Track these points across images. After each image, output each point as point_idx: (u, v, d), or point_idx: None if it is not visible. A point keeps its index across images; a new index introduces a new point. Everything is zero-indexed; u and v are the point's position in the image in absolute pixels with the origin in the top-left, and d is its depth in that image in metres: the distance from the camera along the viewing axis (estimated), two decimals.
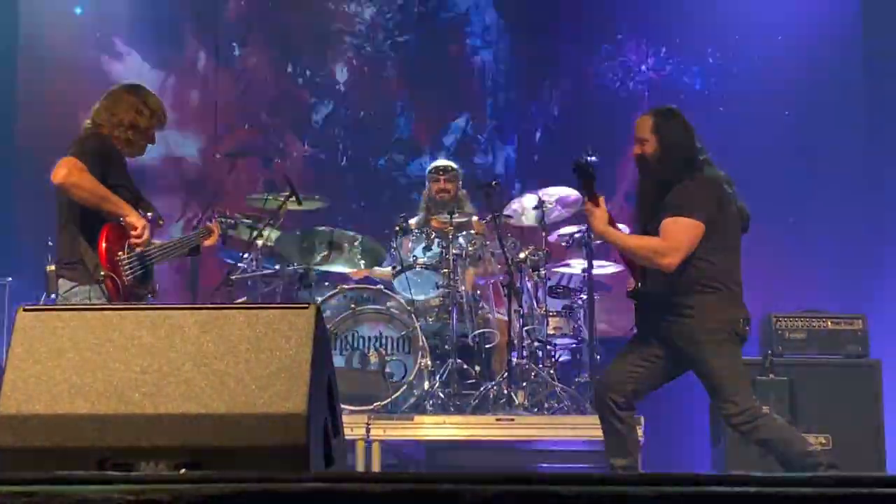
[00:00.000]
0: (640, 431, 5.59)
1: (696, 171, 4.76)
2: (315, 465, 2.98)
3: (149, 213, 4.97)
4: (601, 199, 4.83)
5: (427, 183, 7.52)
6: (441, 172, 7.38)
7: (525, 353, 6.49)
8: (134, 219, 4.76)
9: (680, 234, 4.61)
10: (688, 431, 7.36)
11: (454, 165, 7.51)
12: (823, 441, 5.99)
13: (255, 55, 9.40)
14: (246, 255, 6.67)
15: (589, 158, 4.87)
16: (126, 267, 4.69)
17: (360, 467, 5.78)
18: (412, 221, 7.26)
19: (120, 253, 4.70)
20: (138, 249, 4.76)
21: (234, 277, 6.52)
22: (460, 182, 7.47)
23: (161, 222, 5.15)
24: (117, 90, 5.12)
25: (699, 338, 4.63)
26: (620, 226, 6.97)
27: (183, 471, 2.89)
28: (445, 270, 6.57)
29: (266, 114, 9.34)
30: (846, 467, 5.66)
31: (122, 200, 4.79)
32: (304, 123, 9.36)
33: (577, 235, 6.79)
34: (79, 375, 3.00)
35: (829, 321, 6.40)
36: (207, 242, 5.44)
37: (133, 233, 4.74)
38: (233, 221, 5.94)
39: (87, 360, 3.02)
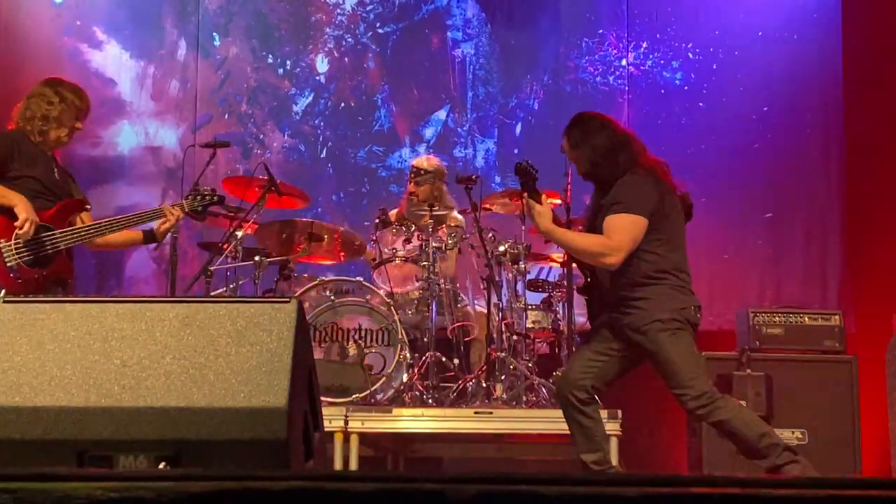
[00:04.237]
0: (617, 425, 5.63)
1: (633, 164, 4.76)
2: (295, 459, 2.98)
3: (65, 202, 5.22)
4: (544, 197, 4.84)
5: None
6: (414, 174, 7.35)
7: (504, 347, 6.50)
8: (19, 210, 4.98)
9: (623, 232, 4.64)
10: (665, 423, 7.39)
11: (428, 168, 7.43)
12: (800, 436, 6.03)
13: (235, 45, 9.36)
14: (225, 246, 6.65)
15: (528, 160, 4.88)
16: (9, 253, 4.94)
17: (338, 459, 5.79)
18: (392, 213, 7.26)
19: (2, 240, 4.95)
20: (20, 235, 4.96)
21: (212, 268, 6.50)
22: (439, 180, 7.43)
23: (88, 207, 5.41)
24: (37, 85, 5.36)
25: (653, 328, 4.65)
26: None
27: (163, 465, 2.89)
28: (425, 263, 6.57)
29: (246, 104, 9.31)
30: (822, 463, 5.71)
31: (11, 193, 5.04)
32: (284, 114, 9.34)
33: None
34: (59, 368, 2.99)
35: (806, 317, 6.44)
36: (163, 227, 5.45)
37: (16, 223, 4.97)
38: (208, 200, 5.65)
39: (66, 353, 3.02)
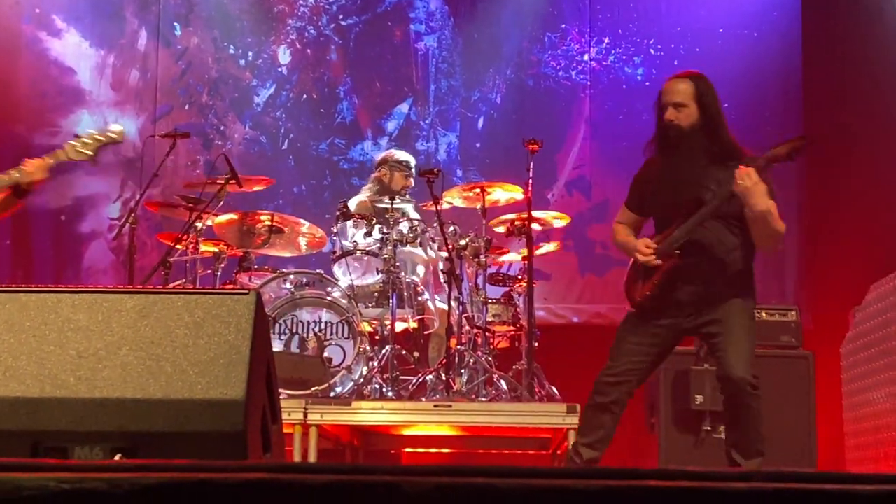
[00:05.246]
0: (576, 419, 5.63)
1: (743, 148, 4.71)
2: (252, 452, 2.97)
3: None
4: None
5: (386, 170, 7.38)
6: (409, 168, 7.34)
7: (464, 340, 6.50)
8: None
9: (779, 217, 4.61)
10: (624, 417, 7.42)
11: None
12: None
13: (196, 35, 9.31)
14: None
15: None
16: None
17: (297, 452, 5.77)
18: (352, 205, 7.23)
19: None
20: None
21: (171, 259, 6.45)
22: None
23: None
24: None
25: (748, 307, 4.68)
26: (551, 213, 7.11)
27: (118, 456, 2.87)
28: (386, 256, 6.56)
29: (207, 95, 9.27)
30: (778, 456, 5.76)
31: None
32: (245, 105, 9.30)
33: (517, 223, 6.82)
34: (13, 358, 2.95)
35: (763, 312, 6.48)
36: (27, 175, 4.76)
37: None
38: (100, 140, 4.88)
39: (22, 343, 2.98)
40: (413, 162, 7.44)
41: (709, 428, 6.19)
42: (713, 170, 4.68)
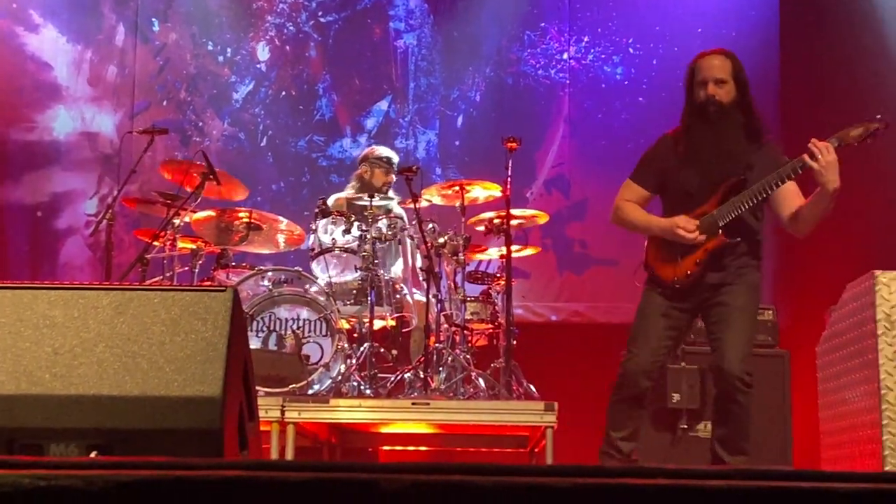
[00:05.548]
0: (553, 416, 5.63)
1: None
2: (229, 449, 2.96)
3: None
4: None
5: (367, 167, 7.41)
6: (389, 165, 7.35)
7: (442, 338, 6.50)
8: None
9: None
10: (600, 415, 7.43)
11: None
12: None
13: (174, 31, 9.28)
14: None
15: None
16: None
17: (275, 450, 5.75)
18: (331, 203, 7.23)
19: None
20: None
21: (148, 256, 6.43)
22: None
23: None
24: None
25: (755, 298, 4.71)
26: (531, 211, 7.12)
27: (94, 453, 2.85)
28: (364, 253, 6.55)
29: (185, 91, 9.23)
30: (754, 454, 5.78)
31: None
32: (223, 102, 9.27)
33: (495, 221, 6.83)
34: None
35: None
36: None
37: None
38: None
39: None
40: (395, 158, 7.46)
41: (685, 426, 6.22)
42: (748, 148, 4.69)
